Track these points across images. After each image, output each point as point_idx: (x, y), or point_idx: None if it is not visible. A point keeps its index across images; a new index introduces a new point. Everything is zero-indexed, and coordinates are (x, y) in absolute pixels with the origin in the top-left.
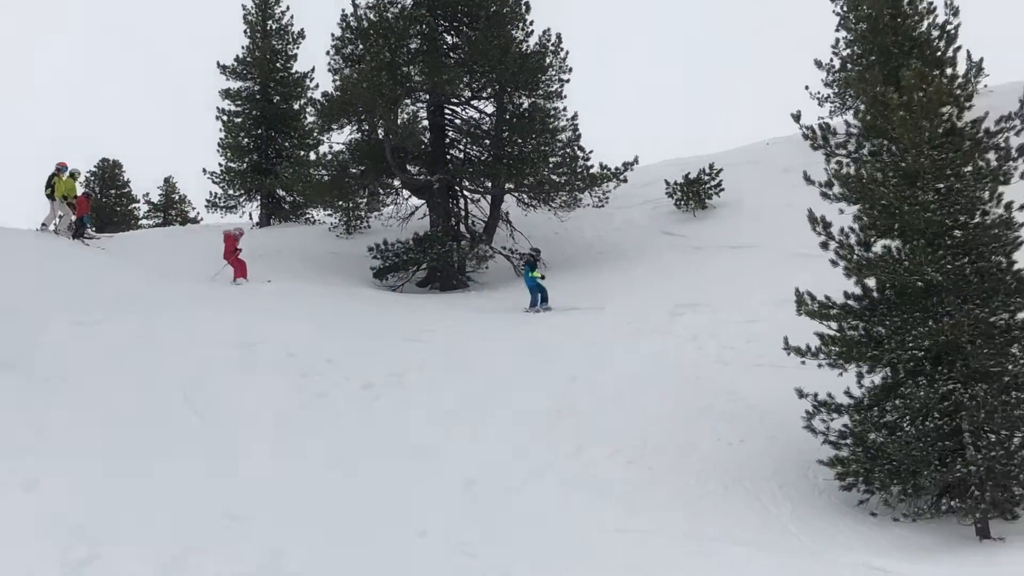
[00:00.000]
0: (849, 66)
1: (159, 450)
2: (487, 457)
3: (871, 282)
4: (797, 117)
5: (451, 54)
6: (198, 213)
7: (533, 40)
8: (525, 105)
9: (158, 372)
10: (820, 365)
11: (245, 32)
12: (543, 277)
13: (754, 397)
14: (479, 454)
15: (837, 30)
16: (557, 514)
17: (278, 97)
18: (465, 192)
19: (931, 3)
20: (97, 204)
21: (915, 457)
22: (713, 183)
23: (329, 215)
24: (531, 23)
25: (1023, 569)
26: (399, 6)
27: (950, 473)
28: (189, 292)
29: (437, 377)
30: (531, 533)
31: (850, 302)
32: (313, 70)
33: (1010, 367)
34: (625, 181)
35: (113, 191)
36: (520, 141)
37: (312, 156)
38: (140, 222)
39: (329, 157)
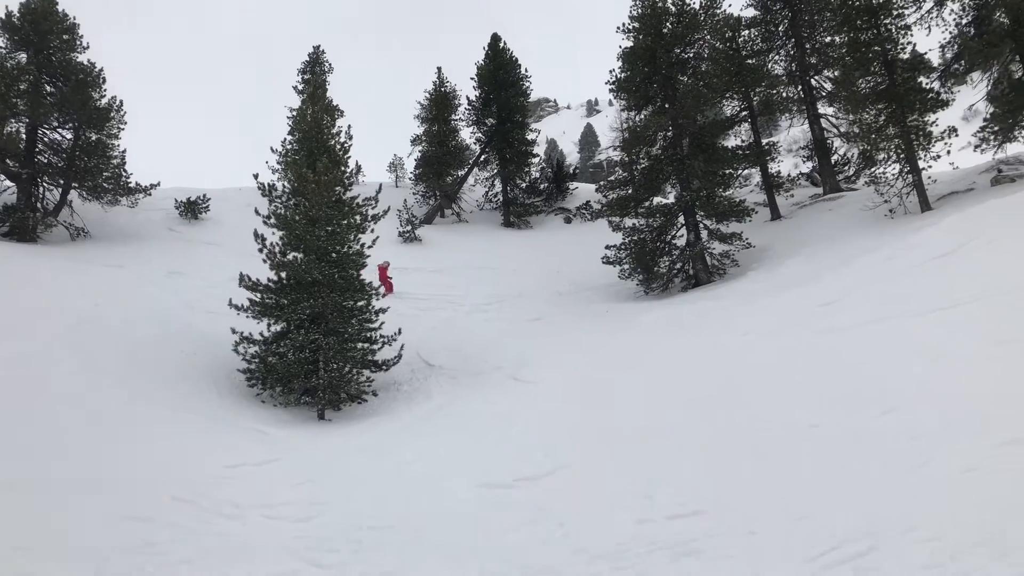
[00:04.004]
0: (289, 153)
1: None
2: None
3: (284, 274)
4: (256, 176)
5: (48, 98)
6: None
7: (104, 101)
8: (94, 139)
9: None
10: (247, 316)
11: None
12: None
13: (205, 330)
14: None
15: (288, 134)
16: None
17: None
18: (45, 183)
19: (339, 130)
20: None
21: (292, 372)
22: (204, 205)
23: None
24: (105, 90)
25: (338, 433)
26: (16, 60)
27: (309, 382)
28: None
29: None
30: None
31: (269, 283)
32: None
33: (349, 330)
34: (150, 195)
35: None
36: (87, 159)
37: None
38: None
39: None
